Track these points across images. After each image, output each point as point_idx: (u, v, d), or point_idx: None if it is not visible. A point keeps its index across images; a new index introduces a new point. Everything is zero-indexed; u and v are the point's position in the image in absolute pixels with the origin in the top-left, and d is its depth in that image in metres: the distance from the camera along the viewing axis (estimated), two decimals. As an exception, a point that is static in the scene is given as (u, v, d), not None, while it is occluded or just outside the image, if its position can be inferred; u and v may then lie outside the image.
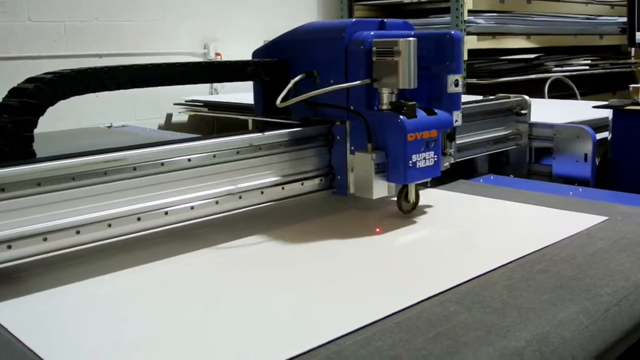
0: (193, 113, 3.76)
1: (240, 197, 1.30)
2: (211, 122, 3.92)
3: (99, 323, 0.91)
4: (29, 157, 1.14)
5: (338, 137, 1.43)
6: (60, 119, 2.88)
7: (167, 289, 1.05)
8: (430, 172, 1.35)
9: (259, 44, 4.74)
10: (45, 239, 1.05)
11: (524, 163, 2.00)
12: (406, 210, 1.38)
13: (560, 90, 4.66)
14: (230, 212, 1.31)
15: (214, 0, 4.17)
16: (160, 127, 3.98)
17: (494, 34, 4.39)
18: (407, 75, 1.27)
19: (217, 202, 1.27)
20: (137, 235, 1.19)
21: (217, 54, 4.15)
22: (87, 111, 3.48)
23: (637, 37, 2.02)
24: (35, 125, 1.16)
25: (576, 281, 1.02)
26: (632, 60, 5.85)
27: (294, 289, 1.02)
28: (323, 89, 1.35)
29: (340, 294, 1.00)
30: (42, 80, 1.18)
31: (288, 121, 1.51)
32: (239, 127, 3.67)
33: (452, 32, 1.39)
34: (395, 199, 1.38)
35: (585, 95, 4.81)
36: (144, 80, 1.33)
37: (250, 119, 3.57)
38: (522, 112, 1.96)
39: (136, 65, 1.32)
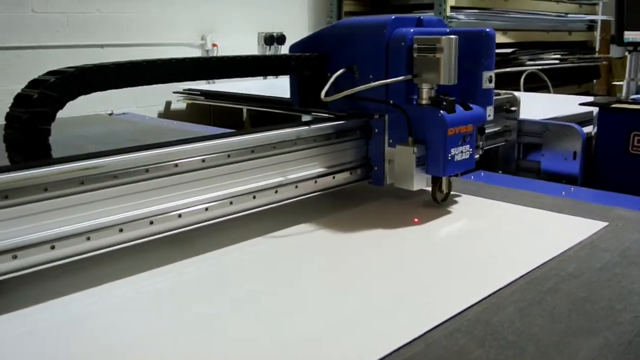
0: (190, 101, 3.55)
1: (296, 187, 1.20)
2: (208, 110, 3.71)
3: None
4: (44, 150, 0.97)
5: (376, 130, 1.31)
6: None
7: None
8: (466, 164, 1.25)
9: (253, 35, 4.54)
10: (53, 247, 0.87)
11: (513, 158, 1.83)
12: (440, 200, 1.30)
13: (534, 83, 4.50)
14: (268, 205, 1.17)
15: (211, -6, 3.93)
16: (160, 115, 3.77)
17: (474, 30, 4.20)
18: (447, 72, 1.16)
19: (277, 191, 1.16)
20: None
21: (214, 45, 3.93)
22: (89, 97, 3.25)
23: (625, 37, 1.85)
24: (53, 118, 0.98)
25: (590, 304, 0.85)
26: (597, 55, 5.70)
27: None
28: (367, 85, 1.24)
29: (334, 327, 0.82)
30: (63, 73, 0.99)
31: (326, 114, 1.40)
32: (234, 116, 3.47)
33: (488, 29, 1.28)
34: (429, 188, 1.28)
35: (555, 87, 4.66)
36: (181, 75, 1.18)
37: (244, 107, 3.37)
38: (512, 109, 1.78)
39: (169, 59, 1.14)
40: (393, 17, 1.27)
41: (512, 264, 0.99)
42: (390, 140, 1.29)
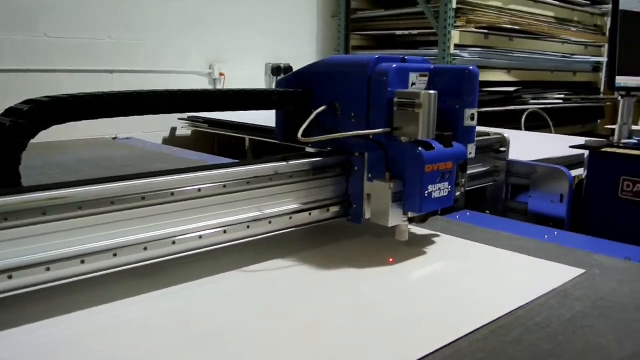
0: (194, 129, 3.55)
1: (269, 223, 1.18)
2: (212, 137, 3.71)
3: None
4: (12, 177, 0.96)
5: (356, 168, 1.29)
6: (67, 127, 2.68)
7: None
8: (444, 202, 1.22)
9: (260, 66, 4.56)
10: (48, 269, 0.87)
11: (501, 199, 1.79)
12: (419, 221, 1.30)
13: (536, 121, 4.47)
14: (239, 240, 1.15)
15: (220, 24, 3.97)
16: (165, 140, 3.77)
17: (477, 67, 4.20)
18: (426, 127, 1.15)
19: (248, 227, 1.14)
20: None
21: (221, 74, 3.95)
22: (96, 121, 3.27)
23: (617, 82, 1.82)
24: (24, 147, 0.97)
25: (554, 358, 0.81)
26: (602, 96, 5.66)
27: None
28: (346, 134, 1.23)
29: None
30: (38, 102, 1.00)
31: (306, 150, 1.39)
32: (237, 144, 3.46)
33: (471, 67, 1.26)
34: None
35: (558, 126, 4.62)
36: (158, 107, 1.17)
37: (247, 137, 3.37)
38: (502, 149, 1.75)
39: (148, 91, 1.14)
40: (377, 56, 1.26)
41: (478, 310, 0.96)
42: (369, 175, 1.26)
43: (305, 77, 1.37)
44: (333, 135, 1.23)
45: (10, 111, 0.98)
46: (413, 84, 1.25)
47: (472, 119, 1.28)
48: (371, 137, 1.22)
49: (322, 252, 1.24)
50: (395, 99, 1.19)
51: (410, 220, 1.24)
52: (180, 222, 1.03)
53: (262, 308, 0.96)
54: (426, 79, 1.27)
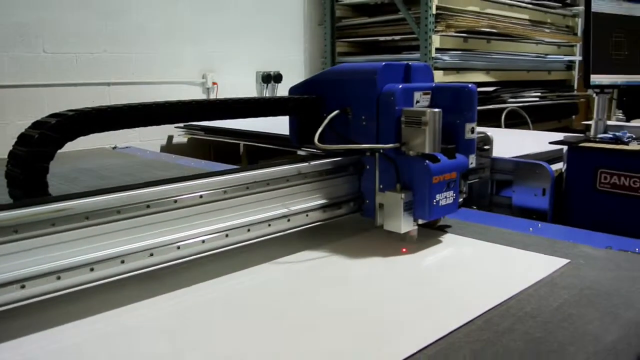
0: (190, 136, 3.54)
1: (288, 220, 1.21)
2: (207, 144, 3.70)
3: None
4: (41, 187, 0.96)
5: (367, 166, 1.33)
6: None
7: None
8: (450, 209, 1.28)
9: (251, 74, 4.56)
10: (59, 278, 0.86)
11: (486, 194, 1.80)
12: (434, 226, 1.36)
13: (515, 119, 4.49)
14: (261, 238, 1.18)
15: (212, 35, 3.96)
16: (162, 148, 3.76)
17: (458, 69, 4.23)
18: (432, 142, 1.20)
19: (269, 225, 1.17)
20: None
21: (214, 83, 3.94)
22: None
23: (591, 80, 1.83)
24: (52, 157, 0.98)
25: (545, 345, 0.81)
26: (576, 93, 5.71)
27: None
28: (359, 145, 1.29)
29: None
30: (64, 116, 0.99)
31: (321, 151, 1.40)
32: (232, 150, 3.45)
33: (470, 85, 1.31)
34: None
35: (536, 122, 4.66)
36: (181, 116, 1.20)
37: (242, 143, 3.36)
38: (485, 147, 1.75)
39: (176, 101, 1.15)
40: (383, 64, 1.30)
41: (471, 302, 0.96)
42: (381, 186, 1.30)
43: (317, 84, 1.41)
44: (349, 145, 1.30)
45: (37, 124, 0.98)
46: (417, 101, 1.29)
47: (472, 132, 1.32)
48: (381, 151, 1.27)
49: (325, 250, 1.24)
50: (403, 117, 1.23)
51: (421, 226, 1.29)
52: (184, 228, 1.03)
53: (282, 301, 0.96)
54: (429, 96, 1.31)
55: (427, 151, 1.20)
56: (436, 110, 1.20)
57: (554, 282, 1.05)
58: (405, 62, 1.35)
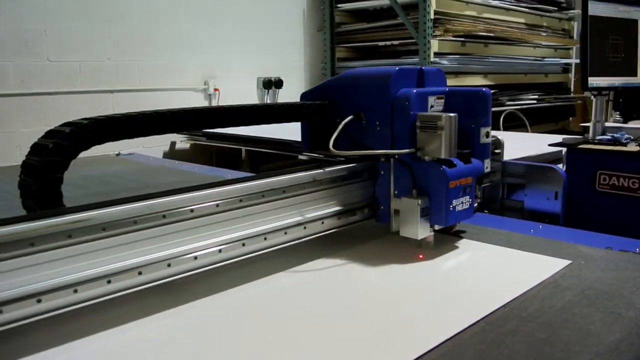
0: (193, 142, 3.55)
1: (305, 228, 1.18)
2: (209, 150, 3.71)
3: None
4: (55, 197, 0.95)
5: (382, 172, 1.31)
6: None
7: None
8: (466, 214, 1.25)
9: (252, 80, 4.57)
10: (75, 291, 0.84)
11: (497, 198, 1.79)
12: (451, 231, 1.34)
13: (513, 121, 4.51)
14: (279, 246, 1.15)
15: (213, 42, 3.98)
16: (165, 154, 3.77)
17: (456, 73, 4.24)
18: (448, 146, 1.18)
19: (285, 233, 1.14)
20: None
21: (216, 89, 3.95)
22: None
23: (589, 82, 1.84)
24: (66, 167, 0.96)
25: (549, 346, 0.82)
26: (572, 95, 5.73)
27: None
28: (374, 151, 1.26)
29: None
30: (77, 125, 0.97)
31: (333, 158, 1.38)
32: (234, 155, 3.47)
33: (484, 89, 1.28)
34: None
35: (533, 125, 4.67)
36: (193, 124, 1.17)
37: (243, 148, 3.37)
38: (497, 151, 1.75)
39: (191, 108, 1.13)
40: (397, 68, 1.27)
41: (476, 303, 0.97)
42: (396, 192, 1.27)
43: (329, 90, 1.38)
44: (364, 152, 1.26)
45: (51, 133, 0.96)
46: (431, 106, 1.26)
47: (487, 136, 1.30)
48: (396, 156, 1.24)
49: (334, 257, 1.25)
50: (418, 122, 1.20)
51: (437, 231, 1.26)
52: (201, 238, 1.01)
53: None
54: (442, 101, 1.29)
55: (443, 156, 1.17)
56: (452, 115, 1.18)
57: (556, 283, 1.06)
58: (418, 67, 1.32)
